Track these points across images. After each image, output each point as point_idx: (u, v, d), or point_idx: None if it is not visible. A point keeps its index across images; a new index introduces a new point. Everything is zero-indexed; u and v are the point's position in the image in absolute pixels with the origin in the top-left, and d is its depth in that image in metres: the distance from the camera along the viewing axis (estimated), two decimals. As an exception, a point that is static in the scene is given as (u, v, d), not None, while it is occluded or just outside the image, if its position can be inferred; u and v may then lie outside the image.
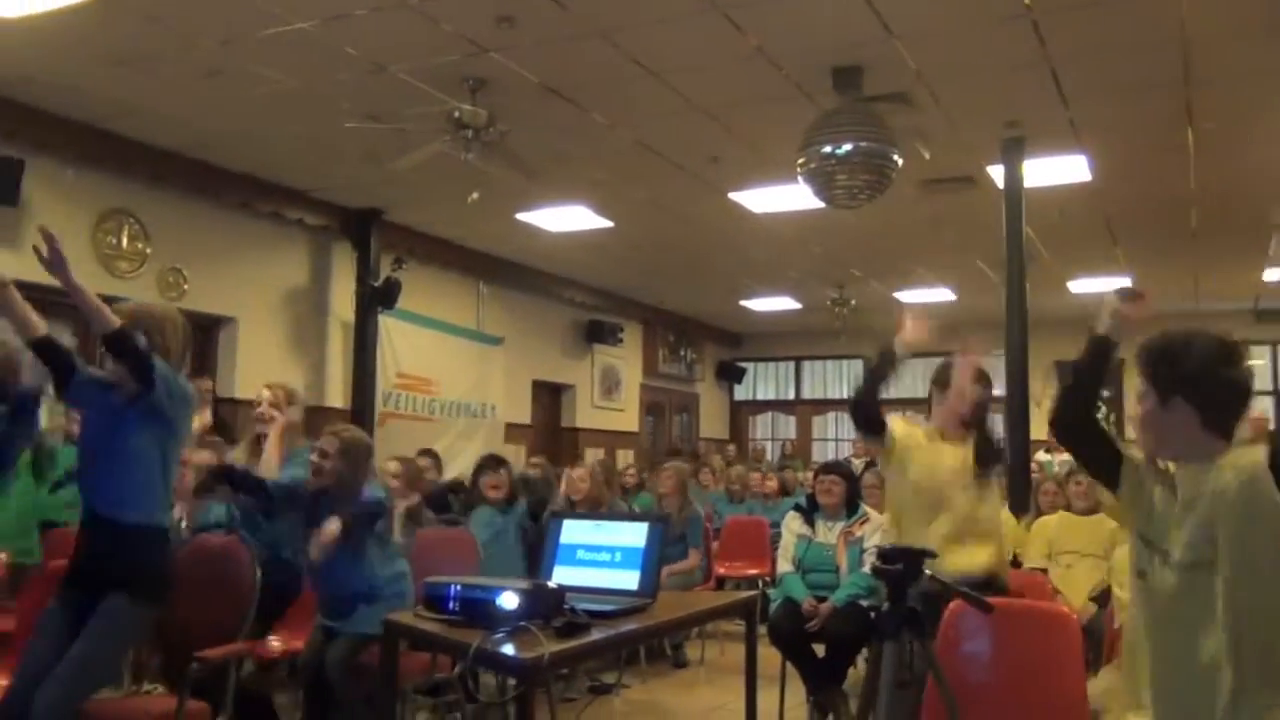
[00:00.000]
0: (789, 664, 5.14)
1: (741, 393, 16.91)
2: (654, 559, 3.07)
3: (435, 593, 2.70)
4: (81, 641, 2.97)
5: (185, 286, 7.77)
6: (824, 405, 16.43)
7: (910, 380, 4.80)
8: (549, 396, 12.61)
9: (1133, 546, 2.23)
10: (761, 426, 16.91)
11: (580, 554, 3.18)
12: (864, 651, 5.14)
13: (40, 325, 3.08)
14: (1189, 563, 2.08)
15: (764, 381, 16.93)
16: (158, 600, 3.14)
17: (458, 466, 8.50)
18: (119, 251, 7.31)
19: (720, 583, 7.27)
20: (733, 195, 8.21)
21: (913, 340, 3.81)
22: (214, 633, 3.49)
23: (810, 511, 5.34)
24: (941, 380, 4.05)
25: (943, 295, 12.33)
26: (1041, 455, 11.09)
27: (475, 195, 6.84)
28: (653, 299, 13.46)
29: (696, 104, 6.28)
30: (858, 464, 10.89)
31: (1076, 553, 5.32)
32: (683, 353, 15.10)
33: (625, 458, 12.89)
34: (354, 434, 4.16)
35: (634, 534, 3.13)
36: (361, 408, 8.91)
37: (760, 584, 7.17)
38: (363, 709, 3.91)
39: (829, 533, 5.24)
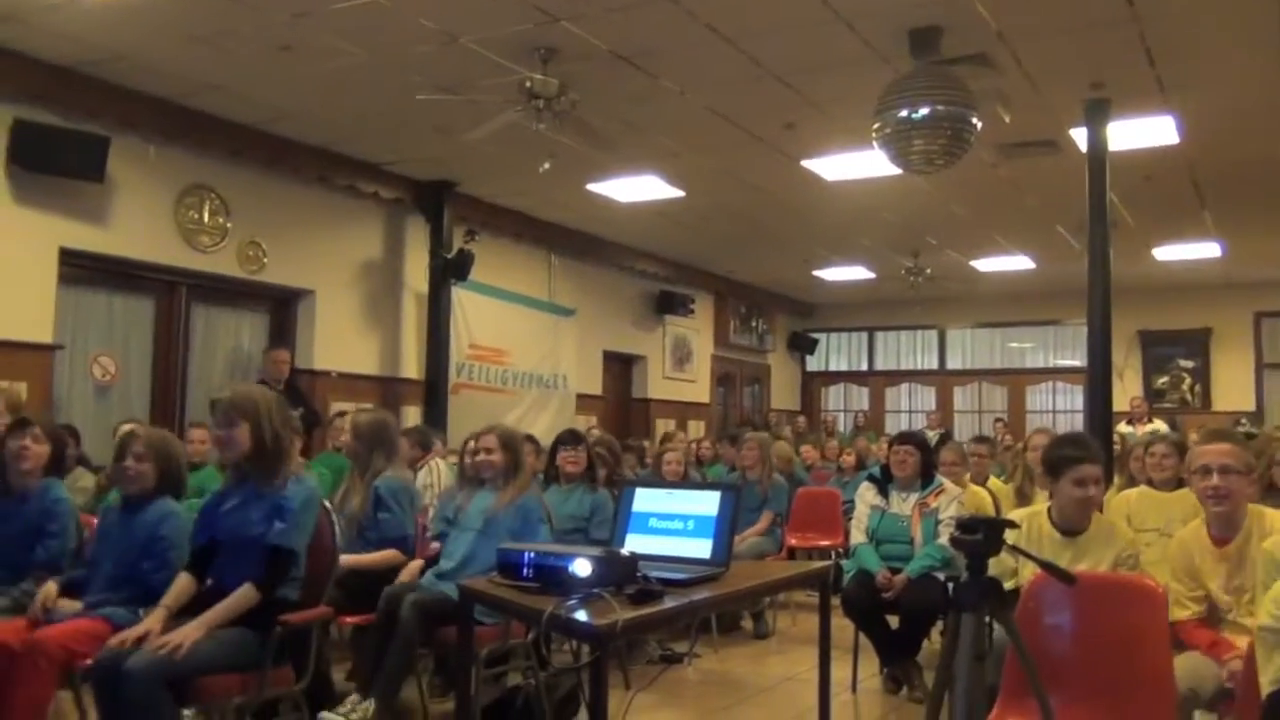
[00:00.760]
0: (862, 635, 5.11)
1: (813, 364, 16.77)
2: (727, 527, 3.05)
3: (509, 559, 2.72)
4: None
5: (264, 260, 7.92)
6: (898, 376, 16.23)
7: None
8: (620, 367, 12.64)
9: None
10: (834, 398, 16.77)
11: (652, 522, 3.18)
12: (938, 624, 5.09)
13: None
14: None
15: (836, 352, 16.76)
16: None
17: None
18: (201, 226, 7.48)
19: (792, 554, 7.24)
20: (806, 163, 8.10)
21: None
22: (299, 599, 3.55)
23: (884, 482, 5.28)
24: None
25: (1021, 264, 12.06)
26: (1123, 427, 10.82)
27: (547, 165, 6.84)
28: (724, 269, 13.38)
29: (770, 69, 6.19)
30: (932, 435, 10.74)
31: (1157, 531, 4.98)
32: (754, 323, 15.01)
33: (696, 429, 12.90)
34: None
35: (706, 502, 3.11)
36: (435, 379, 9.02)
37: (833, 555, 7.12)
38: (409, 659, 3.98)
39: (903, 504, 5.17)
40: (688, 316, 13.23)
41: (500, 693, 4.39)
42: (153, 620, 3.15)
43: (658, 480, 6.16)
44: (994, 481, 6.19)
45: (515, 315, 10.26)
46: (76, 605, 3.48)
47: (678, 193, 9.07)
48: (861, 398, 16.44)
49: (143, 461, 3.62)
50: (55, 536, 3.81)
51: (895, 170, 6.34)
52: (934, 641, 5.39)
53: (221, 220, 7.61)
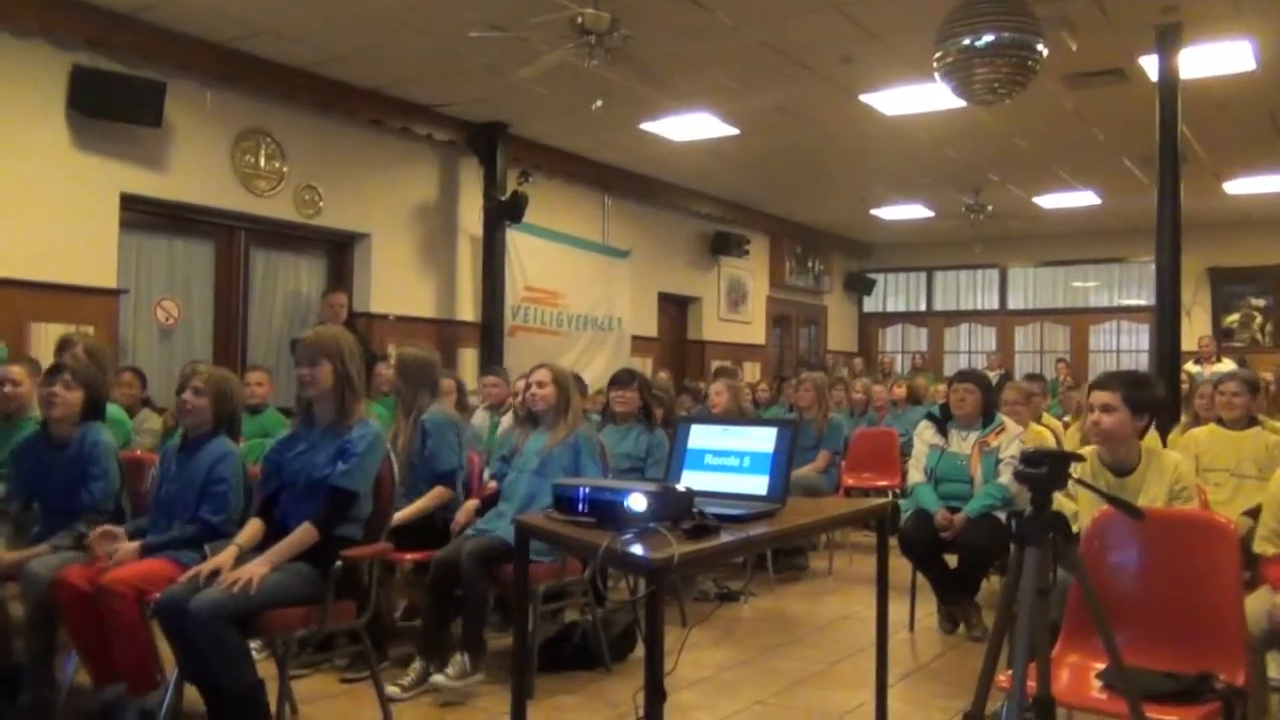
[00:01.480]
0: (919, 575, 5.08)
1: (870, 304, 16.57)
2: (783, 464, 3.01)
3: (565, 494, 2.72)
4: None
5: (320, 204, 7.97)
6: (956, 316, 15.99)
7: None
8: (675, 309, 12.59)
9: None
10: (891, 339, 16.58)
11: (708, 459, 3.15)
12: (996, 564, 5.03)
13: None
14: None
15: (894, 293, 16.53)
16: None
17: (586, 379, 8.56)
18: (257, 170, 7.53)
19: (848, 494, 7.20)
20: (864, 98, 7.92)
21: None
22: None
23: (943, 421, 5.19)
24: None
25: (1087, 199, 11.74)
26: (1190, 366, 10.56)
27: (599, 103, 6.76)
28: (779, 210, 13.21)
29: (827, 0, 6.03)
30: (992, 376, 10.59)
31: (1227, 471, 4.83)
32: (810, 264, 14.83)
33: (752, 371, 12.84)
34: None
35: (763, 439, 3.07)
36: (490, 321, 9.06)
37: (890, 495, 7.07)
38: (484, 608, 4.03)
39: (963, 443, 5.09)
40: (743, 258, 13.11)
41: (557, 629, 4.45)
42: (224, 557, 3.21)
43: (714, 417, 6.13)
44: (1048, 418, 6.09)
45: (570, 257, 10.24)
46: (133, 546, 3.53)
47: (732, 131, 8.93)
48: (920, 338, 16.23)
49: (200, 396, 3.65)
50: (99, 479, 3.82)
51: (956, 103, 6.17)
52: (992, 582, 5.35)
53: (278, 165, 7.66)
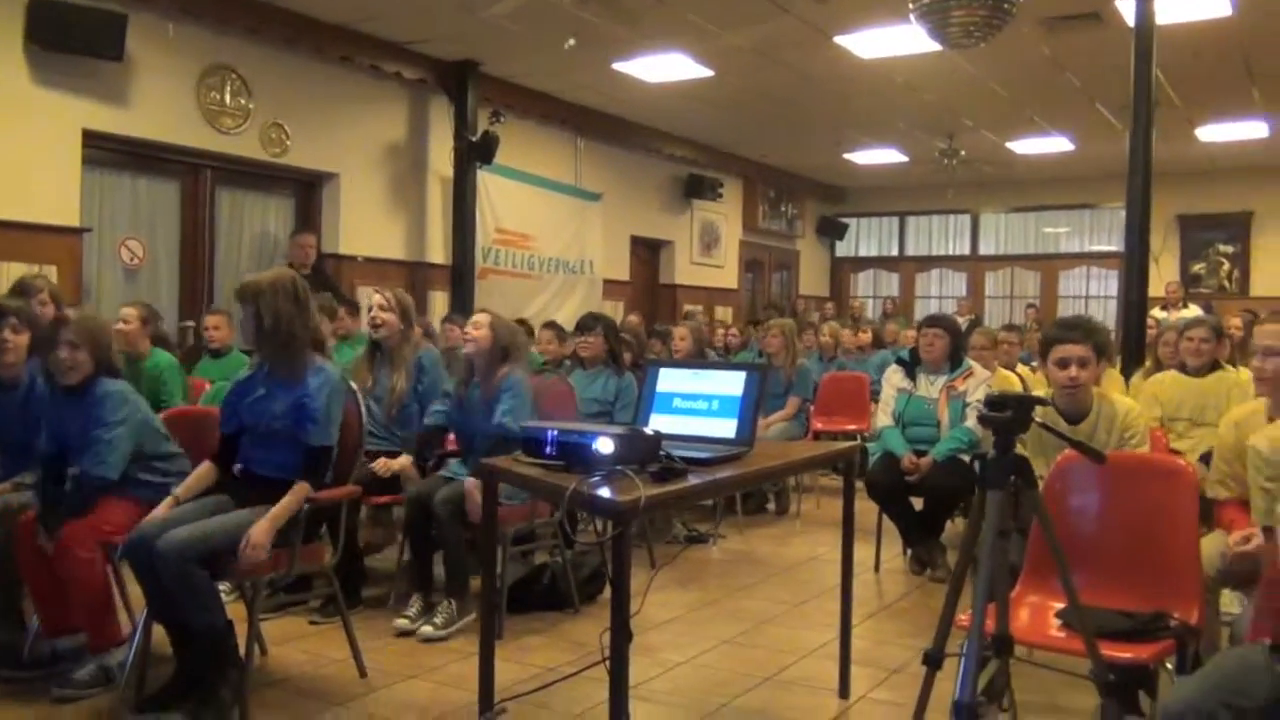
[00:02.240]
0: (886, 518, 5.15)
1: (843, 249, 16.57)
2: (751, 407, 3.03)
3: (533, 436, 2.72)
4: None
5: (288, 142, 7.83)
6: (929, 262, 16.03)
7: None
8: (647, 253, 12.54)
9: None
10: (863, 284, 16.61)
11: (677, 402, 3.16)
12: (961, 506, 5.10)
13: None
14: None
15: (867, 238, 16.54)
16: None
17: (559, 321, 8.54)
18: (223, 107, 7.38)
19: (818, 438, 7.26)
20: (839, 39, 7.84)
21: None
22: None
23: (912, 365, 5.23)
24: None
25: (1060, 145, 11.74)
26: (1157, 312, 10.67)
27: (572, 41, 6.66)
28: (753, 153, 13.12)
29: (802, -62, 5.94)
30: (963, 321, 10.66)
31: (1189, 420, 4.89)
32: (783, 208, 14.79)
33: (725, 315, 12.85)
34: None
35: (731, 382, 3.08)
36: (461, 264, 8.99)
37: (859, 439, 7.14)
38: (461, 551, 4.07)
39: (931, 387, 5.14)
40: (716, 201, 13.05)
41: (526, 571, 4.48)
42: (161, 509, 3.23)
43: (683, 361, 6.13)
44: (1023, 368, 6.14)
45: (541, 199, 10.14)
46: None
47: (706, 72, 8.83)
48: (891, 284, 16.28)
49: (78, 350, 3.41)
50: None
51: (932, 46, 6.12)
52: (957, 524, 5.43)
53: (244, 101, 7.50)
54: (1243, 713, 1.97)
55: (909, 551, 5.17)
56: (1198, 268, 13.72)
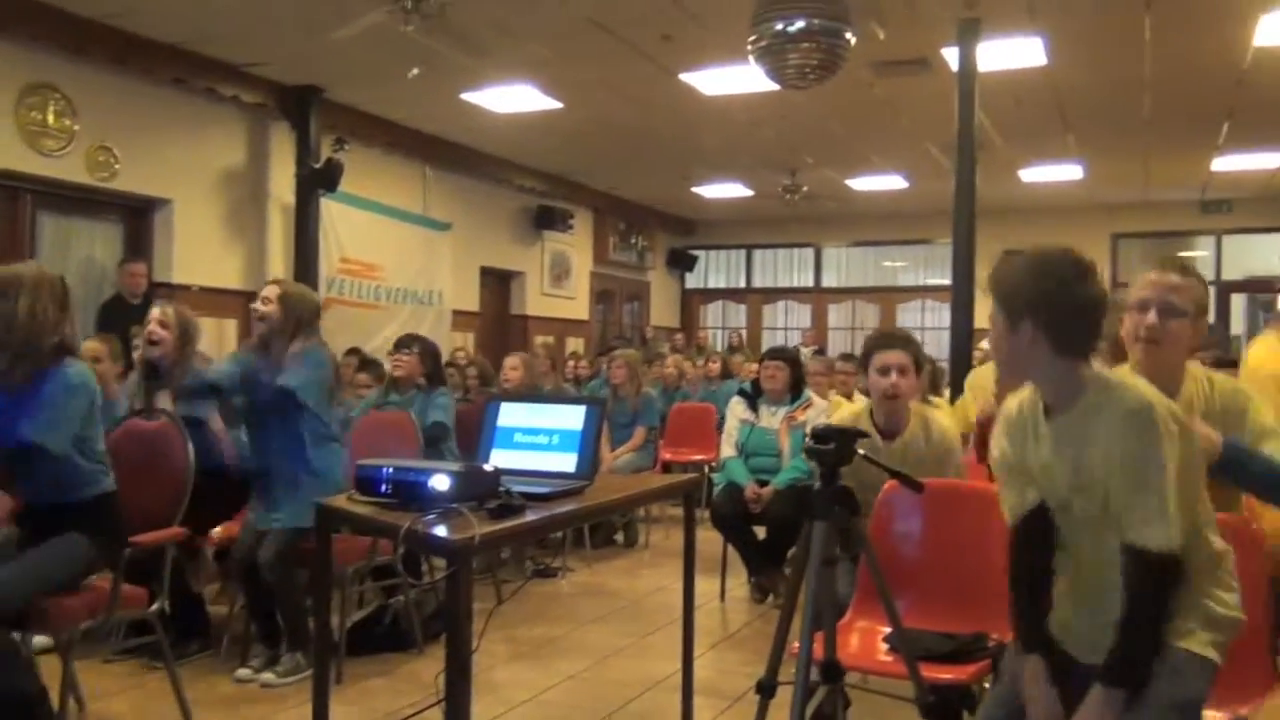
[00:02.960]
0: (731, 547, 5.24)
1: (693, 281, 16.86)
2: (592, 441, 3.04)
3: (367, 475, 2.65)
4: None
5: (116, 166, 7.48)
6: (774, 294, 16.46)
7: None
8: (498, 283, 12.47)
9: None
10: (712, 315, 16.93)
11: (518, 437, 3.14)
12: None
13: None
14: (1082, 506, 2.04)
15: (715, 270, 16.88)
16: None
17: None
18: (45, 128, 6.99)
19: (666, 468, 7.34)
20: (684, 76, 8.01)
21: None
22: (149, 518, 3.44)
23: (754, 397, 5.36)
24: None
25: (895, 183, 12.27)
26: (985, 344, 11.21)
27: (416, 71, 6.60)
28: (604, 185, 13.25)
29: (646, -22, 6.06)
30: (806, 352, 10.99)
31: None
32: (634, 240, 14.96)
33: (576, 345, 12.87)
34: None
35: (572, 416, 3.08)
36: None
37: (705, 469, 7.25)
38: (300, 604, 3.90)
39: (772, 418, 5.28)
40: (567, 232, 13.10)
41: (368, 611, 4.37)
42: None
43: (524, 394, 6.09)
44: (860, 397, 6.36)
45: (388, 229, 9.98)
46: None
47: (555, 104, 8.88)
48: (739, 315, 16.64)
49: None
50: None
51: (772, 85, 6.30)
52: (800, 550, 5.56)
53: (68, 123, 7.13)
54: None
55: (753, 580, 5.27)
56: (1023, 300, 14.49)
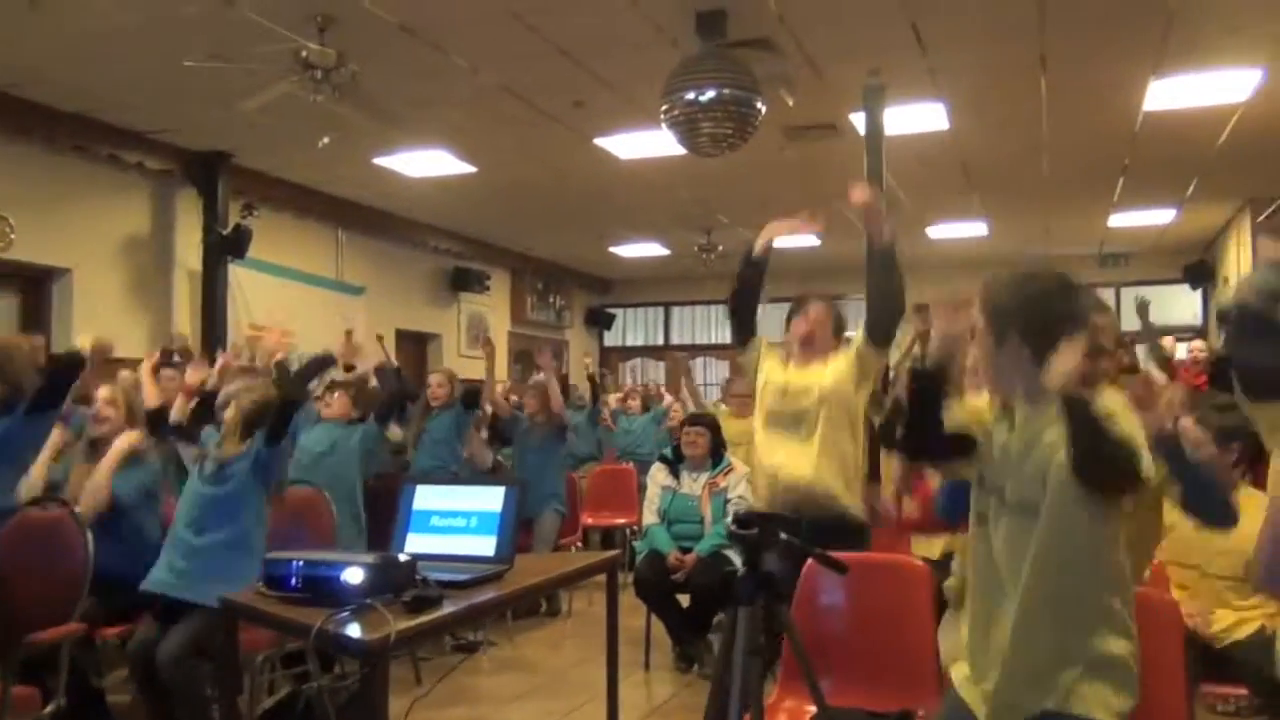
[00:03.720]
0: (655, 616, 5.17)
1: (611, 339, 16.88)
2: (511, 523, 2.99)
3: (276, 571, 2.56)
4: None
5: (12, 236, 7.22)
6: (693, 350, 16.53)
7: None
8: (414, 346, 12.32)
9: (974, 491, 2.25)
10: (631, 372, 16.93)
11: (434, 520, 3.07)
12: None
13: None
14: (1017, 504, 2.11)
15: (633, 327, 16.94)
16: None
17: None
18: (-66, 198, 6.75)
19: (586, 532, 7.27)
20: (599, 141, 8.06)
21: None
22: (45, 614, 3.28)
23: (675, 463, 5.34)
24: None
25: (807, 241, 12.46)
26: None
27: (326, 139, 6.53)
28: (520, 246, 13.23)
29: (560, 47, 6.09)
30: (725, 410, 11.02)
31: None
32: (551, 299, 14.95)
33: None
34: None
35: (490, 498, 3.03)
36: (211, 362, 8.48)
37: (627, 533, 7.20)
38: (202, 701, 3.69)
39: (694, 484, 5.25)
40: (484, 293, 13.03)
41: (279, 698, 4.19)
42: None
43: (438, 477, 5.98)
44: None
45: (300, 294, 9.80)
46: None
47: (470, 168, 8.86)
48: (658, 371, 16.66)
49: None
50: None
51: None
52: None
53: (-41, 192, 6.89)
54: None
55: (677, 649, 5.20)
56: (934, 353, 14.84)
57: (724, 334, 16.21)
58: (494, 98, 6.98)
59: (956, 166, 8.96)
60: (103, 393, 4.39)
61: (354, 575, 2.45)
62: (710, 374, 16.40)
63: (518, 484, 3.12)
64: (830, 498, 3.57)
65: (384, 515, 4.59)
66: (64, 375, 3.76)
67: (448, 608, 2.48)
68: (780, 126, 7.48)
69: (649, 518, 5.28)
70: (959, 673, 2.27)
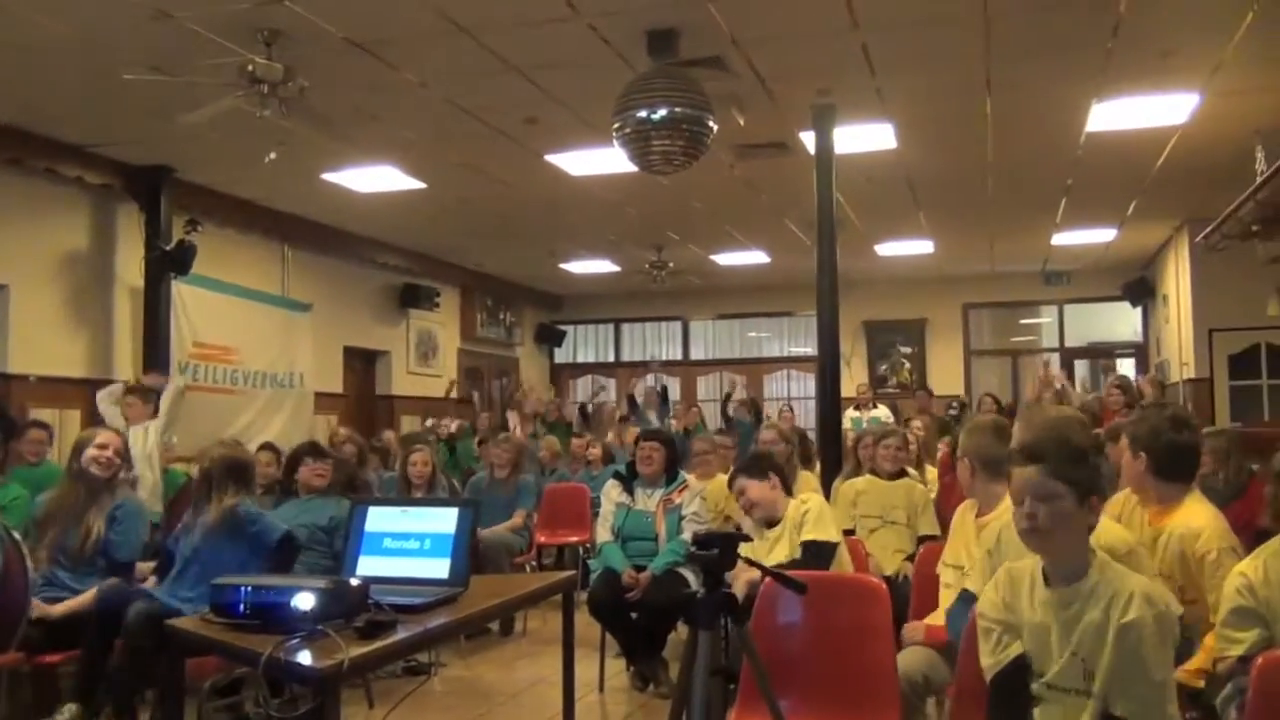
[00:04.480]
0: (609, 634, 5.13)
1: (562, 355, 16.83)
2: (464, 545, 2.94)
3: (223, 598, 2.48)
4: None
5: (-55, 251, 7.03)
6: (643, 366, 16.53)
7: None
8: (362, 364, 12.17)
9: None
10: (582, 389, 16.86)
11: (387, 543, 3.01)
12: (681, 619, 5.17)
13: None
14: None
15: (584, 344, 16.90)
16: None
17: (265, 439, 8.04)
18: None
19: (541, 550, 7.21)
20: (549, 157, 8.04)
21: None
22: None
23: (630, 479, 5.31)
24: None
25: (757, 258, 12.55)
26: (851, 413, 11.48)
27: (273, 155, 6.43)
28: (470, 262, 13.15)
29: (511, 64, 6.07)
30: (677, 425, 11.04)
31: (880, 518, 5.26)
32: (502, 316, 14.86)
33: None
34: None
35: (444, 520, 2.98)
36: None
37: (580, 551, 7.15)
38: (140, 674, 3.63)
39: (648, 500, 5.22)
40: (433, 310, 12.91)
41: (227, 724, 4.09)
42: None
43: (392, 499, 5.83)
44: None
45: (245, 311, 9.63)
46: None
47: (419, 184, 8.78)
48: (609, 388, 16.62)
49: None
50: None
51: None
52: (680, 633, 5.49)
53: (-111, 206, 6.69)
54: None
55: (632, 669, 5.16)
56: (883, 368, 14.98)
57: (675, 350, 16.30)
58: (444, 114, 6.93)
59: (904, 185, 9.07)
60: (103, 438, 4.45)
61: (304, 600, 2.39)
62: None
63: (471, 505, 3.07)
64: None
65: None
66: None
67: (401, 633, 2.43)
68: (731, 145, 7.52)
69: (603, 535, 5.24)
70: None
